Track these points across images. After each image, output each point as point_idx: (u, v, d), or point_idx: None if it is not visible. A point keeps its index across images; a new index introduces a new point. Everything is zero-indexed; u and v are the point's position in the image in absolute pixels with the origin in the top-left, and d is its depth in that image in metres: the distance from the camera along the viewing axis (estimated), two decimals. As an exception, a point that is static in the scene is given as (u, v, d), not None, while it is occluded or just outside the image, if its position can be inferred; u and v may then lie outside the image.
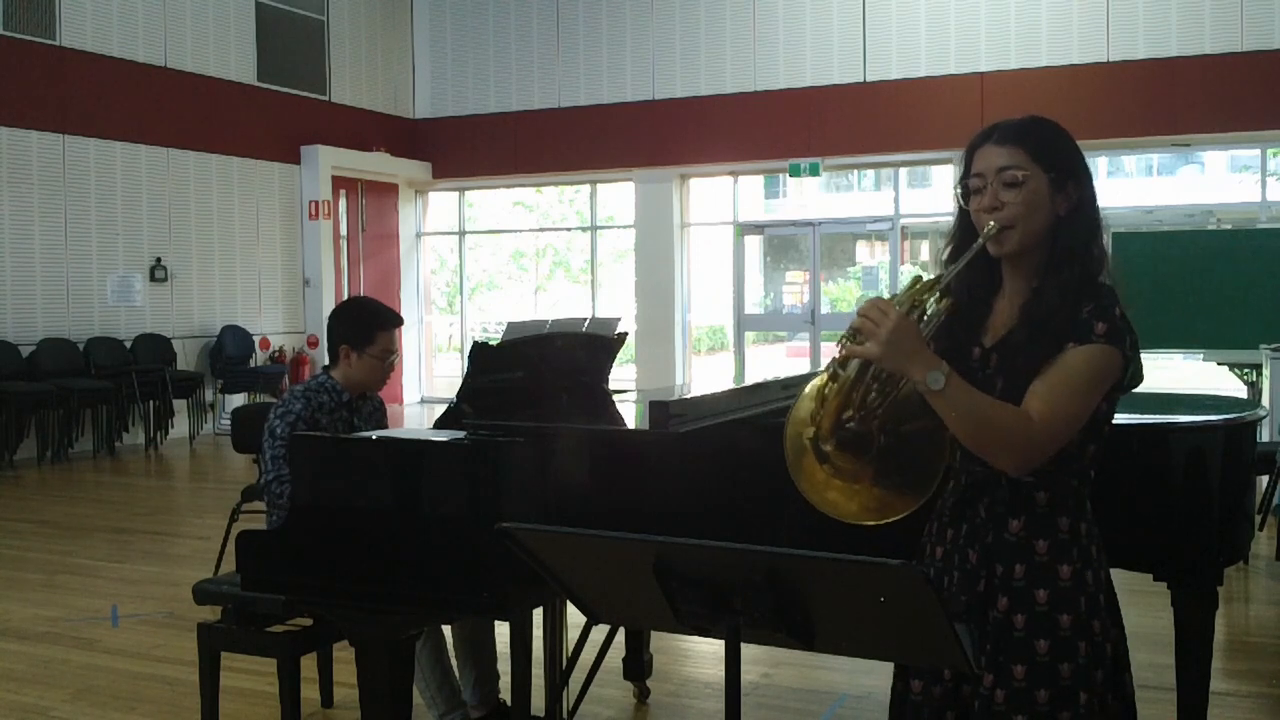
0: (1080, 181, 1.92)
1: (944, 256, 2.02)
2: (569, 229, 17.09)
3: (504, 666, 3.53)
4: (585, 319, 3.61)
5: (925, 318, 1.87)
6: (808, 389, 1.92)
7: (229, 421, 5.44)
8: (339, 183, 14.05)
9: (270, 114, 13.04)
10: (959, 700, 1.96)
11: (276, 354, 12.97)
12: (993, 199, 1.90)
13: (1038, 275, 1.93)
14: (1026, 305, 1.92)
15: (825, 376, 1.87)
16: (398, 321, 3.65)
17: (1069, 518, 1.90)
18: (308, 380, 3.61)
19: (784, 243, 16.32)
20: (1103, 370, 1.85)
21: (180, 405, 11.51)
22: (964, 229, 1.99)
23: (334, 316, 3.63)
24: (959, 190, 1.97)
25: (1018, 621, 1.89)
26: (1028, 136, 1.92)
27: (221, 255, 12.55)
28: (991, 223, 1.88)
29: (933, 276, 1.92)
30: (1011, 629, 1.89)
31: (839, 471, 1.86)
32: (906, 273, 13.98)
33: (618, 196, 15.03)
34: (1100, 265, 1.92)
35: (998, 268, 1.97)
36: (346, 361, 3.55)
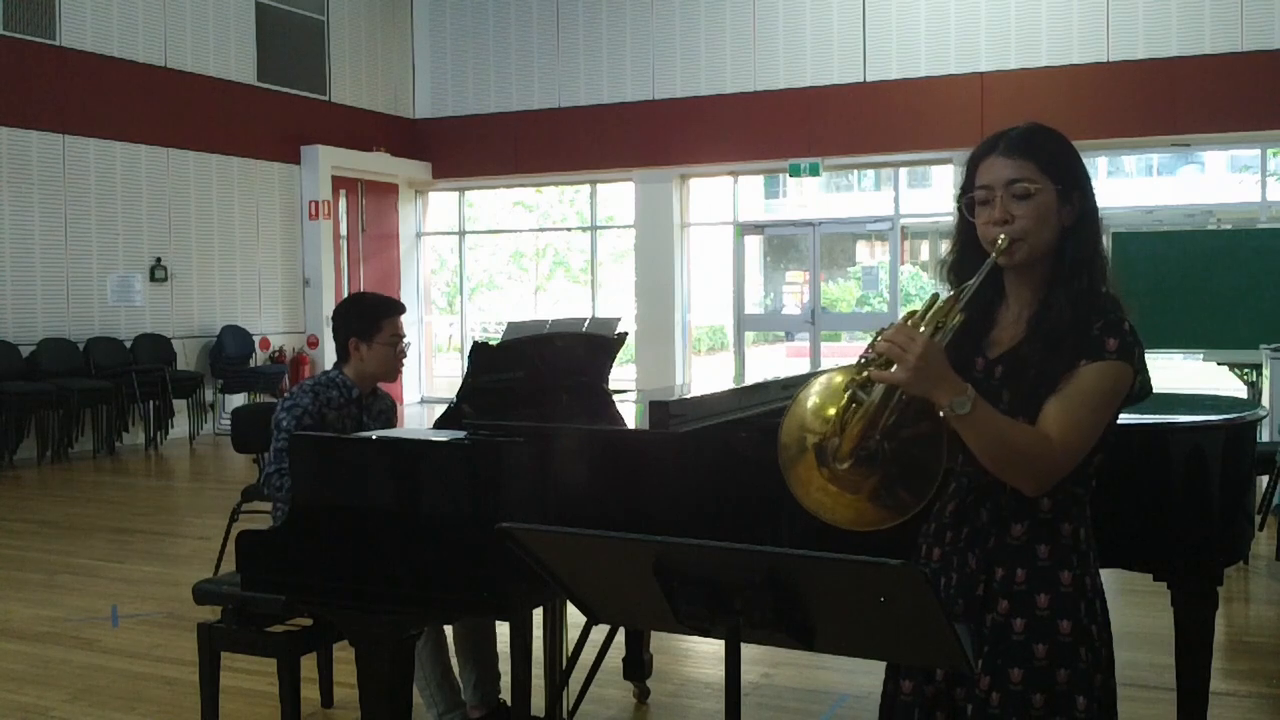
0: (1084, 191, 1.91)
1: (946, 267, 2.00)
2: (569, 229, 17.09)
3: (504, 666, 3.53)
4: (585, 319, 3.62)
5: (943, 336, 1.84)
6: (813, 399, 1.87)
7: (229, 421, 5.44)
8: (339, 183, 14.05)
9: (270, 114, 13.04)
10: (951, 702, 1.95)
11: (276, 354, 12.97)
12: (1003, 212, 1.87)
13: (1044, 286, 1.91)
14: (1035, 318, 1.91)
15: (844, 396, 1.82)
16: (401, 308, 3.67)
17: (1071, 523, 1.90)
18: (318, 375, 3.60)
19: (784, 243, 16.32)
20: (1116, 387, 1.85)
21: (180, 405, 11.52)
22: (966, 239, 1.96)
23: (338, 313, 3.64)
24: (961, 202, 1.95)
25: (1017, 625, 1.88)
26: (1036, 147, 1.90)
27: (221, 255, 12.56)
28: (1003, 236, 1.86)
29: (950, 295, 1.89)
30: (1010, 632, 1.89)
31: (837, 479, 1.83)
32: (907, 273, 14.00)
33: (618, 196, 15.03)
34: (1104, 275, 1.91)
35: (1000, 278, 1.95)
36: (358, 354, 3.55)
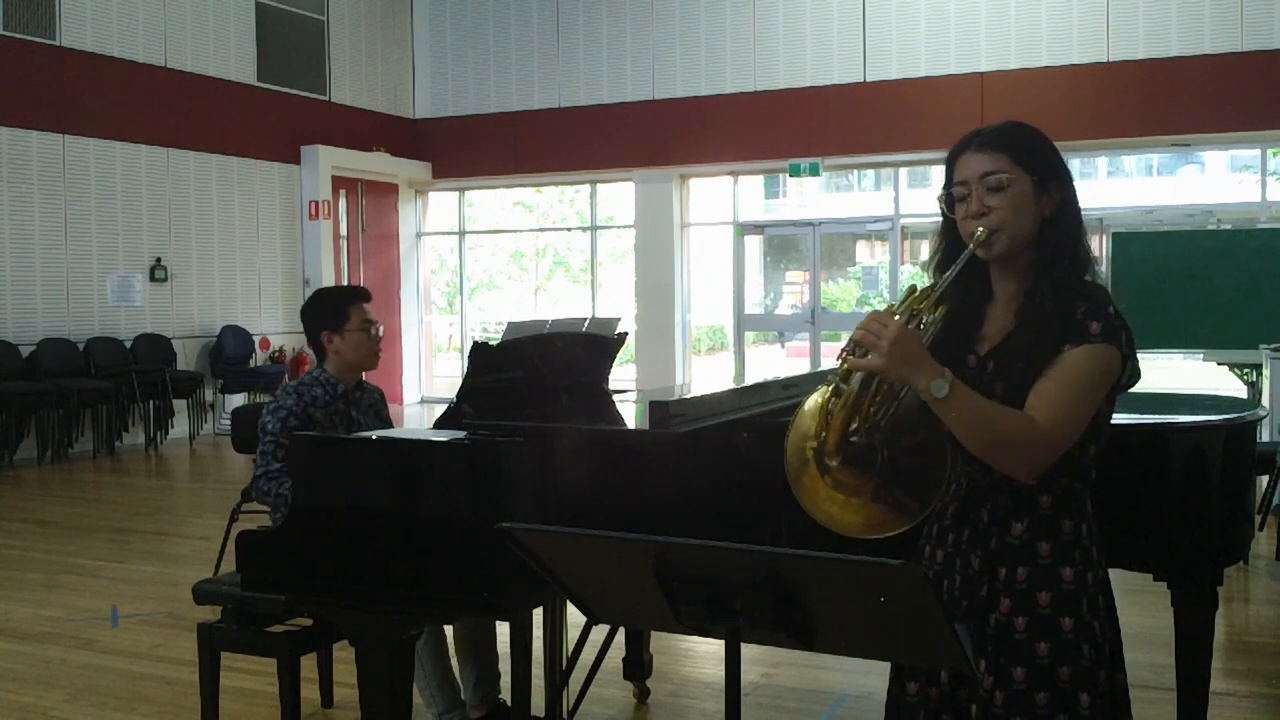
0: (1062, 182, 1.93)
1: (931, 266, 2.02)
2: (569, 229, 17.09)
3: (504, 666, 3.53)
4: (585, 319, 3.62)
5: (923, 326, 1.88)
6: (809, 405, 1.91)
7: (229, 421, 5.44)
8: (339, 183, 14.05)
9: (270, 114, 13.04)
10: (956, 703, 1.96)
11: (276, 354, 12.97)
12: (978, 205, 1.90)
13: (1028, 278, 1.93)
14: (1022, 309, 1.92)
15: (828, 392, 1.86)
16: (365, 295, 3.66)
17: (1071, 520, 1.91)
18: (301, 377, 3.61)
19: (784, 243, 16.32)
20: (1102, 369, 1.85)
21: (180, 405, 11.52)
22: (950, 237, 1.99)
23: (304, 312, 3.64)
24: (942, 200, 1.97)
25: (1019, 624, 1.89)
26: (1008, 141, 1.92)
27: (221, 255, 12.56)
28: (980, 229, 1.88)
29: (927, 285, 1.92)
30: (1012, 631, 1.89)
31: (840, 485, 1.86)
32: (907, 273, 14.00)
33: (618, 196, 15.03)
34: (1087, 264, 1.93)
35: (987, 275, 1.98)
36: (333, 347, 3.55)
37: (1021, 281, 1.94)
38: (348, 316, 3.55)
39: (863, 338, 1.78)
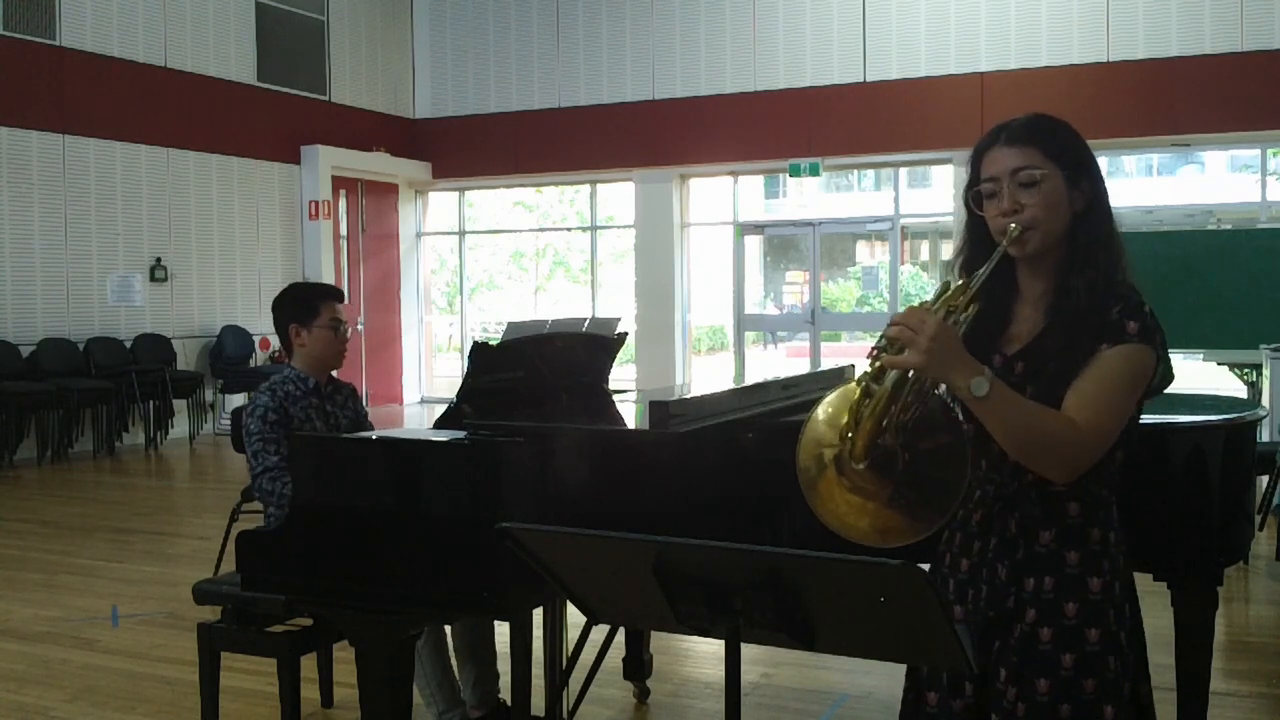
0: (1092, 176, 1.88)
1: (957, 265, 1.95)
2: (569, 229, 17.09)
3: (504, 666, 3.53)
4: (585, 319, 3.62)
5: (957, 324, 1.79)
6: (827, 411, 1.83)
7: (229, 421, 5.45)
8: (339, 183, 14.04)
9: (270, 114, 13.04)
10: (981, 716, 1.90)
11: (276, 354, 12.94)
12: (1011, 201, 1.84)
13: (1058, 275, 1.87)
14: (1053, 307, 1.86)
15: (856, 392, 1.77)
16: (338, 295, 3.68)
17: (1099, 529, 1.86)
18: (272, 378, 3.62)
19: (784, 243, 16.33)
20: (1140, 370, 1.80)
21: (180, 405, 11.51)
22: (976, 236, 1.92)
23: (275, 305, 3.65)
24: (968, 198, 1.91)
25: (1044, 634, 1.84)
26: (1038, 134, 1.86)
27: (221, 255, 12.55)
28: (1013, 225, 1.82)
29: (961, 281, 1.84)
30: (1037, 642, 1.84)
31: (856, 489, 1.78)
32: (907, 273, 14.00)
33: (618, 196, 15.03)
34: (1119, 261, 1.87)
35: (1013, 273, 1.91)
36: (299, 341, 3.57)
37: (1051, 279, 1.88)
38: (317, 312, 3.56)
39: (899, 334, 1.70)
